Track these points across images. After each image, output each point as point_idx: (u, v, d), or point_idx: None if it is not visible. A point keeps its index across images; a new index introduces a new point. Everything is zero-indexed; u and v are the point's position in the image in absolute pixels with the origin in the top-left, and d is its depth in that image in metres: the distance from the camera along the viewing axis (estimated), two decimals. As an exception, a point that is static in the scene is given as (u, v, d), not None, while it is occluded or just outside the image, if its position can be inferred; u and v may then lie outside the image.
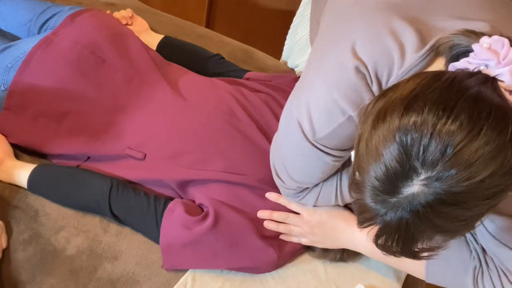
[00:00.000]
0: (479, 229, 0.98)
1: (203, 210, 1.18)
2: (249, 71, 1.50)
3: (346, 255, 1.21)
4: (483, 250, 1.00)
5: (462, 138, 0.66)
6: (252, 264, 1.16)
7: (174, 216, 1.15)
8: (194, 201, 1.21)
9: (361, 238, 1.13)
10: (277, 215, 1.18)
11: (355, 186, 0.76)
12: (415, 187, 0.68)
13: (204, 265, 1.16)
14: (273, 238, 1.18)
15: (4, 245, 1.13)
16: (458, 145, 0.66)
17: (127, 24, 1.57)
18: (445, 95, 0.69)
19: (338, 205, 1.17)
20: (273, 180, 1.15)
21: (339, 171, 1.09)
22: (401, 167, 0.68)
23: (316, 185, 1.11)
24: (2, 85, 1.28)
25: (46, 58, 1.27)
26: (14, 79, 1.26)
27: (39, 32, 1.43)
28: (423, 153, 0.67)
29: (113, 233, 1.20)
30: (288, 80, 1.43)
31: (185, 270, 1.17)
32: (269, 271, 1.18)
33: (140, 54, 1.35)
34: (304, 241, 1.19)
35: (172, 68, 1.40)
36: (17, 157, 1.27)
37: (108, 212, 1.18)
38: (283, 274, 1.19)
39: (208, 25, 2.30)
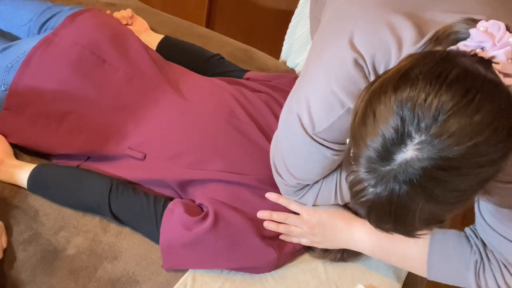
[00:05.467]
0: (479, 223, 0.99)
1: (203, 210, 1.18)
2: (249, 71, 1.50)
3: (346, 255, 1.21)
4: (484, 244, 1.01)
5: (454, 103, 0.67)
6: (252, 264, 1.16)
7: (174, 216, 1.15)
8: (194, 201, 1.21)
9: (361, 238, 1.13)
10: (276, 215, 1.18)
11: (350, 159, 0.76)
12: (408, 153, 0.69)
13: (204, 265, 1.16)
14: (273, 238, 1.18)
15: (4, 245, 1.13)
16: (451, 110, 0.67)
17: (127, 24, 1.57)
18: (440, 65, 0.71)
19: (338, 205, 1.17)
20: (273, 180, 1.15)
21: (338, 167, 1.10)
22: (396, 133, 0.69)
23: (316, 182, 1.11)
24: (2, 85, 1.28)
25: (46, 58, 1.27)
26: (14, 79, 1.26)
27: (39, 32, 1.43)
28: (418, 118, 0.68)
29: (113, 233, 1.20)
30: (288, 80, 1.43)
31: (185, 270, 1.17)
32: (269, 271, 1.18)
33: (140, 54, 1.35)
34: (304, 241, 1.19)
35: (172, 68, 1.40)
36: (17, 157, 1.27)
37: (108, 212, 1.18)
38: (283, 274, 1.19)
39: (208, 25, 2.30)
